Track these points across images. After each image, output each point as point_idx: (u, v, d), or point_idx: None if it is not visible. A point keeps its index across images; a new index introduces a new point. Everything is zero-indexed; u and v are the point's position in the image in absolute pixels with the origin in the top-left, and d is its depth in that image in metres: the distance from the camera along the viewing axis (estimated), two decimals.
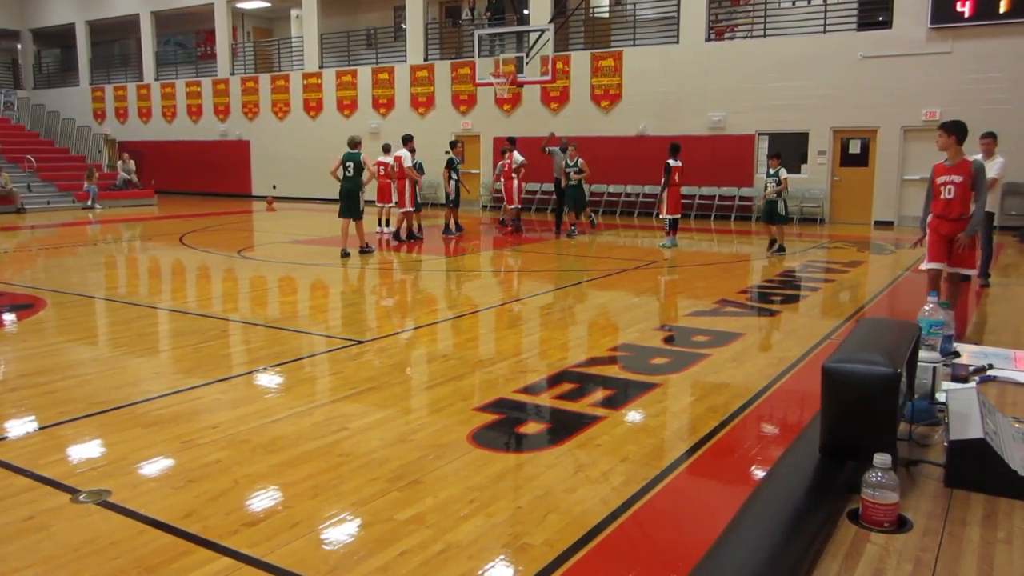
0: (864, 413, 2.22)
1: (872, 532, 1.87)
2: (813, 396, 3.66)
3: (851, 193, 17.61)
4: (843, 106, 17.12)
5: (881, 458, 1.97)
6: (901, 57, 16.35)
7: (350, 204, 12.23)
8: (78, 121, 30.17)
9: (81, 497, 3.67)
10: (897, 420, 2.31)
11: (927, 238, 6.33)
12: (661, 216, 13.96)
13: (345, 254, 11.95)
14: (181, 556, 3.14)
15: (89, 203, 21.92)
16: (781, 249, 12.39)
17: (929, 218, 6.33)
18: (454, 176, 14.92)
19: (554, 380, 5.72)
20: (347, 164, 12.15)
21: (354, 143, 12.28)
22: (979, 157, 6.24)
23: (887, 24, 16.80)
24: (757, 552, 1.77)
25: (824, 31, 17.45)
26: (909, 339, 2.52)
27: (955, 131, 6.12)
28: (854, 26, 17.33)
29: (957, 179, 6.09)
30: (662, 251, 13.03)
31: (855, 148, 17.55)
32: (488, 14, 22.10)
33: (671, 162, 13.31)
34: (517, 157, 15.44)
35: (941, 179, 6.18)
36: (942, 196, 6.18)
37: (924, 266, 6.39)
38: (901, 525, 1.92)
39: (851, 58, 16.86)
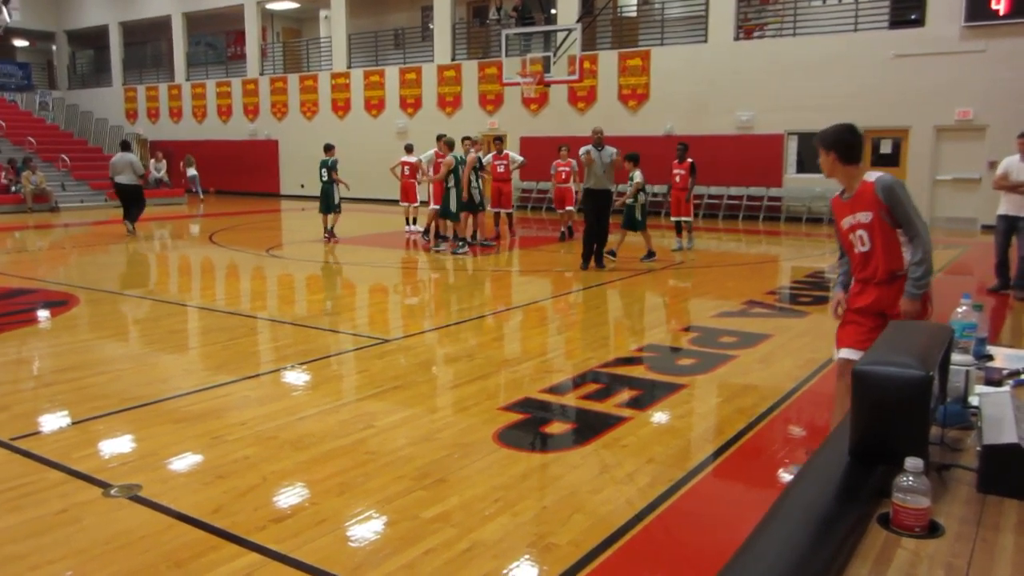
0: (895, 416, 2.19)
1: (903, 537, 1.84)
2: None
3: None
4: (874, 105, 16.89)
5: (912, 462, 1.94)
6: (934, 56, 16.11)
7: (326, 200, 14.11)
8: (111, 121, 30.62)
9: (112, 491, 3.72)
10: (929, 424, 2.27)
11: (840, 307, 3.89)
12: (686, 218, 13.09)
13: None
14: (209, 551, 3.17)
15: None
16: (650, 255, 11.41)
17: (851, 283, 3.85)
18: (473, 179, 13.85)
19: (580, 380, 5.71)
20: (321, 170, 13.95)
21: (327, 148, 14.18)
22: (880, 175, 3.65)
23: (920, 22, 16.56)
24: (785, 556, 1.75)
25: (855, 29, 17.24)
26: (941, 342, 2.48)
27: (834, 145, 3.70)
28: (886, 24, 17.10)
29: (864, 218, 3.65)
30: (678, 254, 12.49)
31: (886, 148, 17.33)
32: (515, 14, 22.10)
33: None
34: (515, 157, 14.45)
35: (845, 223, 3.74)
36: (856, 249, 3.72)
37: (836, 353, 3.87)
38: (933, 530, 1.88)
39: (883, 57, 16.63)
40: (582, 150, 10.66)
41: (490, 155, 14.12)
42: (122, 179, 15.11)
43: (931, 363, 2.22)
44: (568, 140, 15.67)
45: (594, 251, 10.65)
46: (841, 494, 2.07)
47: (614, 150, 10.68)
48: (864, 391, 2.19)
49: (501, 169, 14.09)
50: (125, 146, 15.83)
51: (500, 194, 14.30)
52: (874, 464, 2.17)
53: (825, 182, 17.79)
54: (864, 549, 1.81)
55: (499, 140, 14.48)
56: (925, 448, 2.18)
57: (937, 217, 16.72)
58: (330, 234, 14.08)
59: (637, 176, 11.05)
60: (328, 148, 14.26)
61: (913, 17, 16.87)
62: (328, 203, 14.06)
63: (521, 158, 14.68)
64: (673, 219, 13.11)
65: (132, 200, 15.20)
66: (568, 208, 14.24)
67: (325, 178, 13.97)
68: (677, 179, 12.91)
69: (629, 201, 11.12)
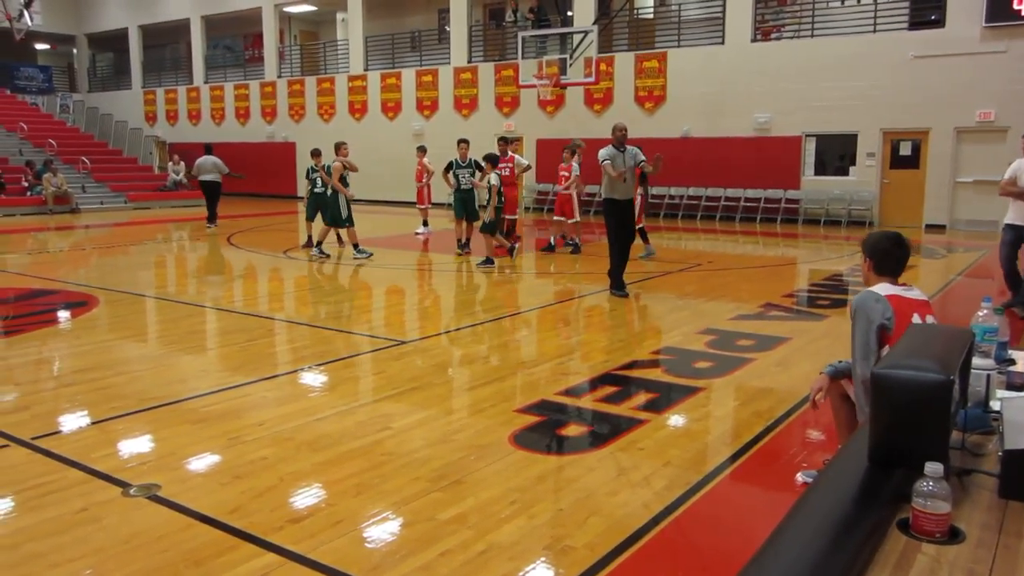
0: (915, 421, 2.17)
1: (923, 543, 1.83)
2: None
3: (901, 196, 17.24)
4: (893, 107, 16.77)
5: (933, 467, 1.92)
6: (954, 57, 15.97)
7: (327, 211, 12.31)
8: (130, 123, 30.90)
9: (132, 491, 3.75)
10: (949, 428, 2.25)
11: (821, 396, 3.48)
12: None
13: (363, 253, 12.06)
14: (227, 551, 3.19)
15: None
16: (492, 260, 11.14)
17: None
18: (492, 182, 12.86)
19: (596, 383, 5.70)
20: (311, 177, 12.76)
21: (313, 154, 12.88)
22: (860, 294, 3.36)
23: (939, 23, 16.42)
24: (803, 561, 1.74)
25: (874, 31, 17.12)
26: (962, 345, 2.46)
27: (871, 253, 3.46)
28: (905, 25, 16.97)
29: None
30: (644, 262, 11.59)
31: (906, 150, 17.19)
32: (532, 16, 22.12)
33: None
34: (520, 161, 12.89)
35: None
36: None
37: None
38: (953, 536, 1.87)
39: (902, 58, 16.50)
40: (602, 154, 8.86)
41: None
42: (207, 177, 17.04)
43: (952, 366, 2.20)
44: (584, 141, 15.29)
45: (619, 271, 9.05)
46: (860, 499, 2.06)
47: (637, 150, 9.19)
48: (883, 395, 2.17)
49: (506, 172, 12.47)
50: (208, 149, 17.67)
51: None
52: (893, 468, 2.16)
53: (843, 184, 17.70)
54: (883, 555, 1.80)
55: (504, 141, 12.78)
56: (945, 453, 2.16)
57: (957, 220, 16.57)
58: (318, 247, 12.35)
59: (493, 179, 11.13)
60: (316, 154, 12.93)
61: (933, 18, 16.73)
62: (335, 215, 12.17)
63: (526, 162, 13.30)
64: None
65: (215, 196, 17.21)
66: (557, 218, 12.87)
67: (319, 188, 12.52)
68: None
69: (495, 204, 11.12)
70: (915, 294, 3.38)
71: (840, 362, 3.55)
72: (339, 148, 12.24)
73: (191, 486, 3.86)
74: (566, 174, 12.63)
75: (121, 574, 3.03)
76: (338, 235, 12.93)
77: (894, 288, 3.34)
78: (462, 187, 12.26)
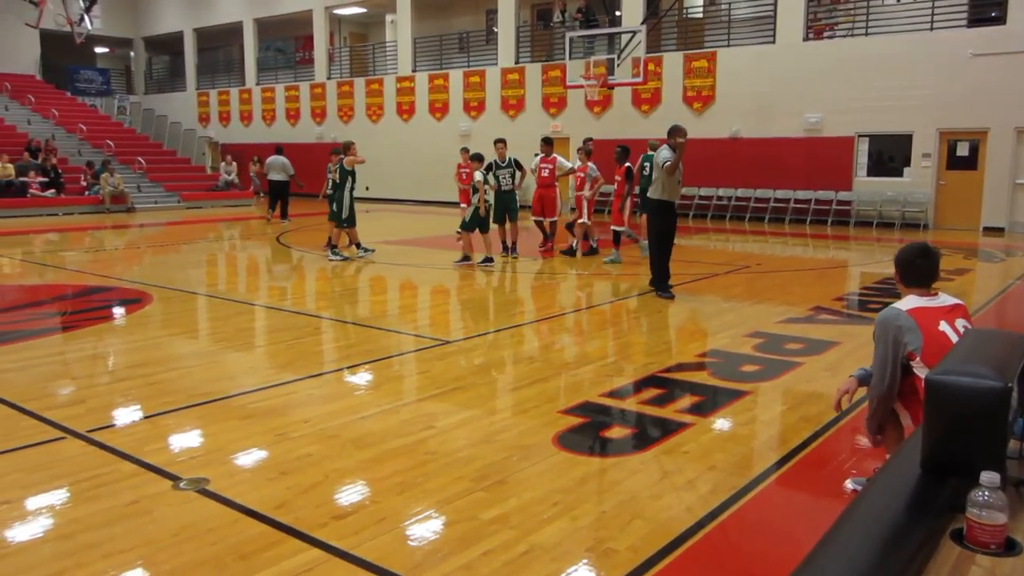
0: (970, 429, 2.11)
1: (977, 554, 1.78)
2: None
3: (958, 197, 16.80)
4: (950, 107, 16.35)
5: (989, 476, 1.86)
6: (1016, 55, 15.50)
7: (338, 211, 12.17)
8: (184, 124, 31.62)
9: (182, 484, 3.83)
10: (1007, 437, 2.19)
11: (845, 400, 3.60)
12: (622, 228, 11.75)
13: (366, 252, 12.31)
14: (273, 545, 3.24)
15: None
16: (482, 259, 11.28)
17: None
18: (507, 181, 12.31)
19: (641, 385, 5.66)
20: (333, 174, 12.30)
21: (336, 151, 12.43)
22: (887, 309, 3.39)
23: (1000, 20, 15.96)
24: (851, 570, 1.70)
25: (931, 28, 16.71)
26: (1021, 352, 2.38)
27: (897, 264, 3.50)
28: (964, 22, 16.53)
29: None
30: (610, 267, 11.33)
31: (963, 150, 16.74)
32: (579, 16, 22.05)
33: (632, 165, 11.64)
34: (563, 163, 12.68)
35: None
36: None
37: None
38: (1010, 548, 1.81)
39: (960, 56, 16.07)
40: (663, 155, 8.63)
41: (537, 158, 12.80)
42: (275, 176, 18.32)
43: (1010, 374, 2.13)
44: (630, 142, 15.04)
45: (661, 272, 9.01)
46: (912, 507, 2.00)
47: (663, 148, 8.79)
48: (938, 402, 2.11)
49: (545, 173, 12.51)
50: (279, 150, 18.88)
51: (542, 200, 12.71)
52: (948, 477, 2.10)
53: (897, 185, 17.30)
54: (936, 565, 1.75)
55: (546, 143, 12.63)
56: (1002, 462, 2.10)
57: (1017, 222, 16.09)
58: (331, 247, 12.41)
59: (478, 176, 11.33)
60: (340, 149, 12.39)
61: (993, 15, 16.27)
62: (336, 214, 12.19)
63: (570, 164, 12.86)
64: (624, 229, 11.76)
65: (283, 193, 18.42)
66: (551, 219, 12.67)
67: (330, 189, 12.35)
68: (615, 185, 11.82)
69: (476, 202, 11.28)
70: (941, 301, 3.38)
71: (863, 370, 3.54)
72: (348, 148, 12.07)
73: (239, 481, 3.92)
74: (582, 175, 12.25)
75: (171, 565, 3.09)
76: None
77: (919, 300, 3.34)
78: (503, 188, 12.09)
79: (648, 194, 9.24)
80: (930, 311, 3.30)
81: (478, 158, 11.84)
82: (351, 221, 12.25)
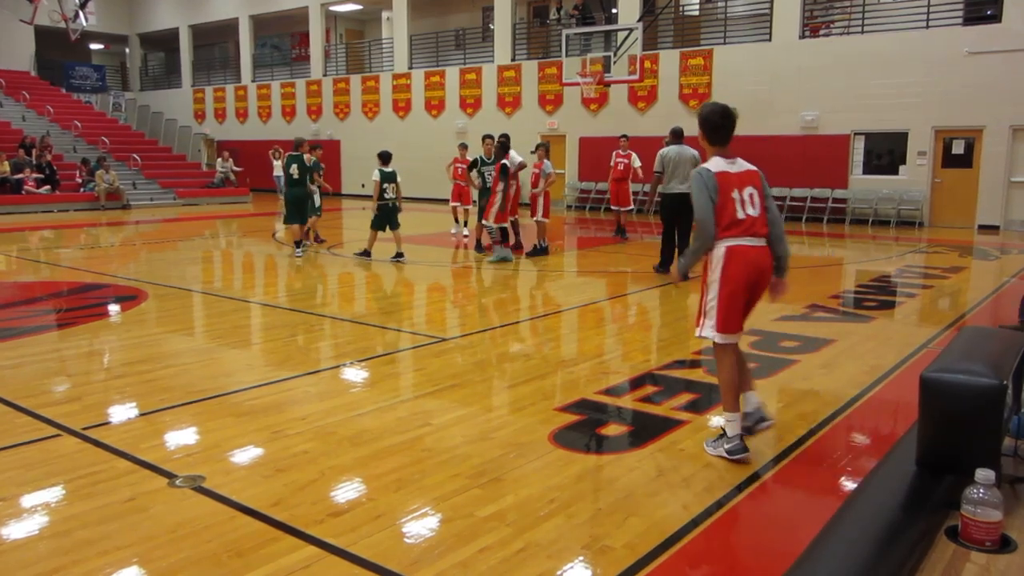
0: (965, 426, 2.12)
1: (972, 551, 1.78)
2: (909, 407, 3.50)
3: (953, 195, 16.84)
4: (946, 105, 16.39)
5: (984, 474, 1.87)
6: (1011, 53, 15.53)
7: (297, 210, 12.12)
8: (180, 121, 31.55)
9: (177, 481, 3.83)
10: (1001, 435, 2.19)
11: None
12: (492, 224, 11.52)
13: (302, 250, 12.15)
14: (269, 542, 3.23)
15: None
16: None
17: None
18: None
19: (637, 382, 5.66)
20: (290, 168, 11.95)
21: (297, 144, 12.23)
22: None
23: (996, 18, 16.00)
24: (847, 567, 1.71)
25: (927, 26, 16.74)
26: (1015, 350, 2.39)
27: (700, 124, 4.22)
28: (959, 21, 16.57)
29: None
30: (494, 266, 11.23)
31: (958, 149, 16.78)
32: (576, 13, 22.04)
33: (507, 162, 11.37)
34: (547, 169, 12.39)
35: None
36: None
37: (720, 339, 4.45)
38: (1004, 545, 1.82)
39: (956, 54, 16.11)
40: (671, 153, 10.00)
41: (546, 162, 12.57)
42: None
43: (1004, 371, 2.14)
44: (629, 141, 15.31)
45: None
46: (907, 504, 2.01)
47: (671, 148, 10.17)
48: (933, 399, 2.12)
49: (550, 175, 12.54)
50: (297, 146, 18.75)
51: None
52: (943, 474, 2.11)
53: (893, 183, 17.34)
54: (931, 562, 1.75)
55: (541, 148, 12.58)
56: (997, 460, 2.10)
57: (1013, 220, 16.14)
58: (315, 238, 12.99)
59: (375, 174, 11.79)
60: (300, 145, 12.30)
61: (989, 13, 16.30)
62: (301, 209, 12.20)
63: (551, 169, 12.56)
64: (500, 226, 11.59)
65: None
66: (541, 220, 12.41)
67: (297, 176, 11.99)
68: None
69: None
70: (738, 167, 4.06)
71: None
72: (302, 145, 12.18)
73: (235, 478, 3.92)
74: (536, 171, 12.39)
75: (167, 563, 3.09)
76: (311, 230, 13.15)
77: (723, 164, 4.02)
78: (487, 185, 11.83)
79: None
80: (729, 177, 3.99)
81: (504, 148, 11.55)
82: (304, 219, 12.33)
